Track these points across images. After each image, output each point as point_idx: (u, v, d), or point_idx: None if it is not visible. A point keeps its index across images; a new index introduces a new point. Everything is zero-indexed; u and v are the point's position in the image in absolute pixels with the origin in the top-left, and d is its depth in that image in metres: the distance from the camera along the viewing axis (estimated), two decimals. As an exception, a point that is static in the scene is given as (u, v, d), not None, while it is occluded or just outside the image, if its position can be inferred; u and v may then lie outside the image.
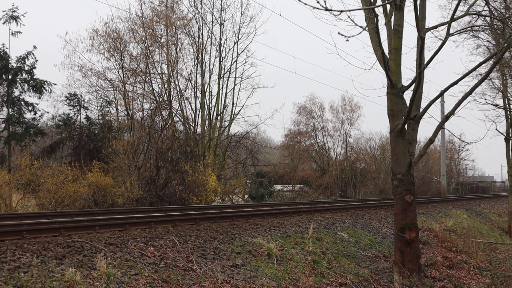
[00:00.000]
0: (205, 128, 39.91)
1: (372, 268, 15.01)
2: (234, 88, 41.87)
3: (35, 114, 31.95)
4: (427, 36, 16.39)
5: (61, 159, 33.76)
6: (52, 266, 8.75)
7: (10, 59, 30.88)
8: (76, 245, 10.13)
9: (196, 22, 39.83)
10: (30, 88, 31.65)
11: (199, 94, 39.70)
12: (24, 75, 31.48)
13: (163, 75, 36.37)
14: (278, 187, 51.33)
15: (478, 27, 24.89)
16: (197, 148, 32.10)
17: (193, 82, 39.23)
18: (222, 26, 40.98)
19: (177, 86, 37.50)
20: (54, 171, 25.09)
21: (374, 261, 15.80)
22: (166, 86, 36.08)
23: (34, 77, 31.72)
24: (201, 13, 40.12)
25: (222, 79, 41.01)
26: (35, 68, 31.83)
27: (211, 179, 29.99)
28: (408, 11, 15.04)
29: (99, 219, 13.39)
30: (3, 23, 30.98)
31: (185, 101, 38.77)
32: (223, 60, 41.17)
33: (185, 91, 38.56)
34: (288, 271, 12.36)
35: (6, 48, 30.86)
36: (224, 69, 41.26)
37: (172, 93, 36.64)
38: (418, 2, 12.16)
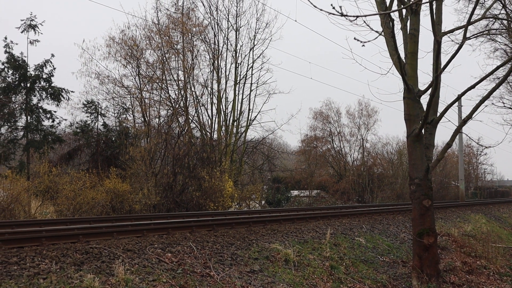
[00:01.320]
0: (222, 134, 39.97)
1: (390, 273, 14.92)
2: (250, 94, 41.89)
3: (53, 121, 32.27)
4: (444, 40, 16.33)
5: (79, 166, 33.95)
6: (70, 272, 8.81)
7: (28, 67, 31.22)
8: (94, 251, 10.19)
9: (212, 28, 40.01)
10: (48, 95, 31.96)
11: (215, 100, 39.84)
12: (42, 83, 31.80)
13: (180, 82, 36.50)
14: (295, 192, 51.21)
15: (495, 31, 24.71)
16: (213, 154, 32.13)
17: (209, 89, 39.37)
18: (237, 32, 41.09)
19: (194, 93, 37.66)
20: (72, 178, 25.26)
21: (392, 266, 15.71)
22: (182, 92, 36.21)
23: (52, 84, 32.03)
24: (217, 20, 40.29)
25: (238, 85, 41.10)
26: (53, 76, 32.18)
27: (228, 185, 30.02)
28: (424, 15, 15.05)
29: (117, 226, 13.47)
30: (22, 32, 31.38)
31: (201, 107, 38.92)
32: (239, 66, 41.27)
33: (201, 97, 38.73)
34: (306, 277, 12.34)
35: (25, 57, 31.24)
36: (240, 75, 41.35)
37: (188, 99, 36.80)
38: (434, 6, 12.13)
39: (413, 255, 14.77)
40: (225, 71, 40.66)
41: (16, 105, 31.37)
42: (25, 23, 31.34)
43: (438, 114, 15.10)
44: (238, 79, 41.06)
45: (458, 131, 15.43)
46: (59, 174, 25.42)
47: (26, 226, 14.44)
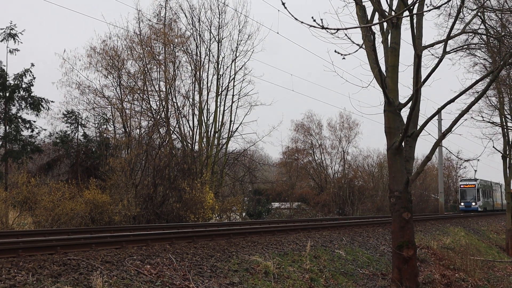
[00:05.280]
0: (203, 145, 39.90)
1: (370, 286, 14.94)
2: (231, 105, 41.88)
3: (32, 131, 31.90)
4: (424, 54, 16.50)
5: (58, 176, 33.65)
6: (47, 284, 8.70)
7: (7, 76, 30.85)
8: (72, 263, 10.08)
9: (194, 40, 40.02)
10: (28, 105, 31.62)
11: (196, 112, 39.76)
12: (21, 92, 31.44)
13: (161, 93, 36.42)
14: (275, 204, 51.20)
15: (474, 45, 25.01)
16: (194, 165, 32.05)
17: (191, 100, 39.29)
18: (220, 44, 41.14)
19: (175, 104, 37.58)
20: (51, 189, 25.01)
21: (371, 279, 15.73)
22: (163, 103, 36.12)
23: (31, 94, 31.68)
24: (199, 31, 40.33)
25: (220, 97, 41.07)
26: (32, 85, 31.79)
27: (208, 197, 29.92)
28: (405, 29, 15.21)
29: (95, 237, 13.35)
30: (1, 41, 31.02)
31: (182, 118, 38.81)
32: (221, 77, 41.26)
33: (182, 108, 38.63)
34: (286, 289, 12.29)
35: (4, 66, 30.88)
36: (222, 86, 41.34)
37: (169, 110, 36.70)
38: (414, 20, 12.26)
39: (392, 268, 14.80)
40: (207, 82, 40.69)
41: (-5, 115, 31.05)
42: (4, 32, 31.07)
43: (418, 127, 15.21)
44: (220, 90, 41.07)
45: (437, 144, 15.54)
46: (38, 185, 25.15)
47: (3, 237, 14.23)
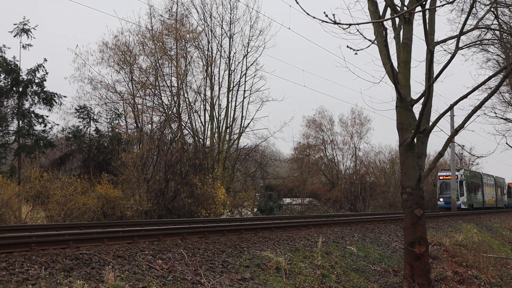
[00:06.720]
0: (214, 141, 39.95)
1: (382, 282, 14.90)
2: (243, 101, 41.93)
3: (45, 126, 32.13)
4: (436, 50, 16.37)
5: (70, 171, 33.83)
6: (60, 278, 8.74)
7: (20, 71, 31.05)
8: (84, 257, 10.12)
9: (206, 35, 40.08)
10: (40, 100, 31.81)
11: (208, 107, 39.85)
12: (34, 87, 31.64)
13: (173, 88, 36.47)
14: (287, 200, 51.19)
15: (487, 41, 24.85)
16: (206, 161, 32.10)
17: (202, 95, 39.34)
18: (231, 39, 41.15)
19: (187, 99, 37.63)
20: (64, 183, 25.16)
21: (383, 275, 15.69)
22: (175, 99, 36.16)
23: (44, 89, 31.87)
24: (211, 27, 40.37)
25: (231, 92, 41.15)
26: (45, 80, 31.98)
27: (220, 192, 29.98)
28: (417, 25, 15.07)
29: (107, 232, 13.40)
30: (14, 36, 31.20)
31: (194, 114, 38.88)
32: (232, 73, 41.33)
33: (194, 104, 38.68)
34: (297, 285, 12.28)
35: (17, 61, 31.07)
36: (233, 82, 41.40)
37: (181, 106, 36.75)
38: (427, 16, 12.17)
39: (404, 264, 14.75)
40: (219, 78, 40.76)
41: (8, 110, 31.25)
42: (18, 27, 31.21)
43: (431, 123, 15.12)
44: (231, 86, 41.13)
45: (450, 140, 15.46)
46: (50, 179, 25.32)
47: (16, 231, 14.35)
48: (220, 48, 40.73)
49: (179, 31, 36.00)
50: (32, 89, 31.59)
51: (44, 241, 11.01)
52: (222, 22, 40.90)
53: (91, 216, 23.89)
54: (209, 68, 39.75)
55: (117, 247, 11.54)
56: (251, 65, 41.71)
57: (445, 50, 18.57)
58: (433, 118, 15.49)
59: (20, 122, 31.20)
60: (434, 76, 13.11)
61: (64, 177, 27.28)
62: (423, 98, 13.61)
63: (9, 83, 30.90)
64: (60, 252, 10.40)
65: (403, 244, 15.10)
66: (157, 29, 35.97)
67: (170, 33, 35.94)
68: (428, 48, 12.57)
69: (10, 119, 31.28)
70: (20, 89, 31.03)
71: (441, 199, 49.58)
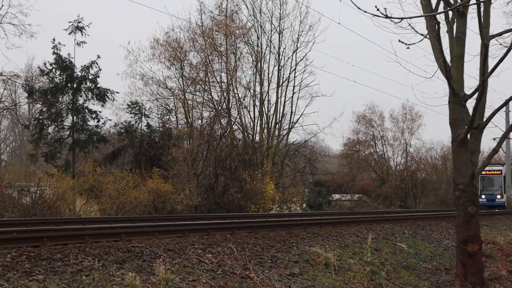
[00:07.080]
0: (264, 136, 40.04)
1: (433, 280, 14.65)
2: (292, 96, 41.88)
3: (98, 121, 32.72)
4: (491, 44, 15.94)
5: (122, 165, 34.38)
6: (112, 270, 8.93)
7: (75, 68, 31.73)
8: (136, 250, 10.30)
9: (255, 31, 40.13)
10: (94, 96, 32.41)
11: (257, 103, 39.90)
12: (88, 83, 32.24)
13: (222, 84, 36.71)
14: (336, 196, 50.88)
15: (545, 34, 24.02)
16: (255, 156, 32.16)
17: (251, 91, 39.48)
18: (281, 34, 41.12)
19: (236, 95, 37.76)
20: (116, 178, 25.66)
21: (434, 273, 15.42)
22: (225, 94, 36.36)
23: (97, 85, 32.45)
24: (260, 22, 40.42)
25: (280, 88, 41.12)
26: (98, 77, 32.54)
27: (269, 187, 30.05)
28: (471, 18, 14.66)
29: (158, 225, 13.61)
30: (69, 34, 31.87)
31: (243, 109, 38.97)
32: (282, 68, 41.31)
33: (244, 99, 38.81)
34: (346, 281, 12.21)
35: (72, 58, 31.72)
36: (283, 77, 41.38)
37: (231, 101, 36.90)
38: (481, 9, 11.89)
39: (456, 263, 14.46)
40: (268, 74, 40.78)
41: (63, 105, 32.03)
42: (72, 25, 31.87)
43: (485, 119, 14.76)
44: (281, 81, 41.10)
45: (505, 136, 15.07)
46: (103, 174, 25.87)
47: (71, 224, 14.72)
48: (269, 44, 40.77)
49: (229, 27, 36.15)
50: (86, 85, 32.20)
51: (97, 234, 11.27)
52: (271, 18, 40.93)
53: (142, 210, 24.26)
54: (259, 64, 39.82)
55: (168, 241, 11.70)
56: (300, 60, 41.64)
57: (500, 44, 18.05)
58: (487, 113, 15.10)
59: (75, 117, 31.91)
60: (489, 70, 12.78)
61: (116, 171, 27.85)
62: (477, 93, 13.27)
63: (64, 79, 31.61)
64: (113, 244, 10.61)
65: (456, 242, 14.80)
66: (207, 25, 36.27)
67: (220, 29, 36.13)
68: (483, 42, 12.25)
69: (65, 115, 32.05)
70: (75, 86, 31.71)
71: (483, 196, 43.85)
